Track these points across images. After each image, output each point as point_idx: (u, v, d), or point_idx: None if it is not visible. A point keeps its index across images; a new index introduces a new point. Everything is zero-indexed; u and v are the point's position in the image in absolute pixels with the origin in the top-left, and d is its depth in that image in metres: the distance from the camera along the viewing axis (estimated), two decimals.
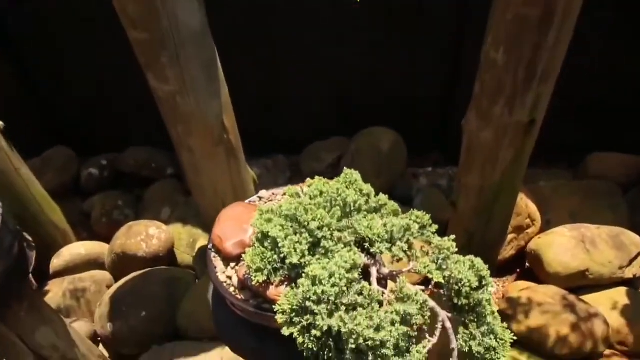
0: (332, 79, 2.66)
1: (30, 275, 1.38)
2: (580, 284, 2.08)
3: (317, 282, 0.74)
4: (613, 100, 2.61)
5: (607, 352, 1.86)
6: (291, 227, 0.86)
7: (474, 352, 0.91)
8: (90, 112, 2.97)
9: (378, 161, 2.57)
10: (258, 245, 0.87)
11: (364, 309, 0.76)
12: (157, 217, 2.60)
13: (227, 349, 2.05)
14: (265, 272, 0.86)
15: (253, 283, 0.87)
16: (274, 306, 0.83)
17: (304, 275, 0.76)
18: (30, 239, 1.45)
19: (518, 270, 2.36)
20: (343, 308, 0.73)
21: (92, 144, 3.01)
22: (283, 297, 0.80)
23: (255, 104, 2.62)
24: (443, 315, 0.87)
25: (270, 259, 0.86)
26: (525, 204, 2.22)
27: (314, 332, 0.73)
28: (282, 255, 0.87)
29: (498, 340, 0.91)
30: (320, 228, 0.81)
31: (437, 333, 0.88)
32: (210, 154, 1.79)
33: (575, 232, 2.12)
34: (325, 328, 0.72)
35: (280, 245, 0.85)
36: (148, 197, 2.76)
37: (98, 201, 2.75)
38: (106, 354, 2.14)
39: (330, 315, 0.73)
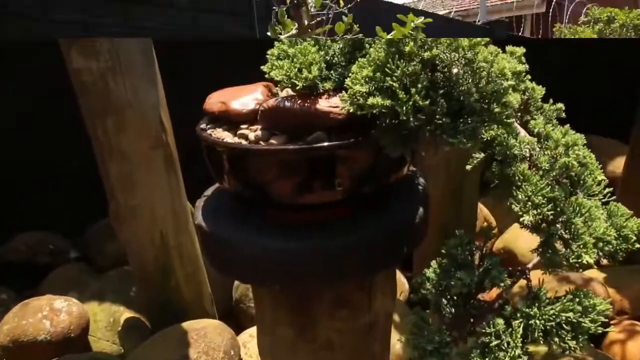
0: None
1: None
2: None
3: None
4: None
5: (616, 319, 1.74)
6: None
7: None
8: None
9: None
10: (288, 57, 0.66)
11: None
12: None
13: None
14: (311, 75, 0.63)
15: (297, 88, 0.63)
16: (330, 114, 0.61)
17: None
18: None
19: None
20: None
21: None
22: (353, 77, 0.58)
23: None
24: None
25: (316, 59, 0.64)
26: None
27: (412, 67, 0.51)
28: (329, 56, 0.66)
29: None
30: None
31: None
32: (147, 160, 1.49)
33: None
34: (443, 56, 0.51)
35: (322, 43, 0.66)
36: (47, 284, 2.17)
37: None
38: None
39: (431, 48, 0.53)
